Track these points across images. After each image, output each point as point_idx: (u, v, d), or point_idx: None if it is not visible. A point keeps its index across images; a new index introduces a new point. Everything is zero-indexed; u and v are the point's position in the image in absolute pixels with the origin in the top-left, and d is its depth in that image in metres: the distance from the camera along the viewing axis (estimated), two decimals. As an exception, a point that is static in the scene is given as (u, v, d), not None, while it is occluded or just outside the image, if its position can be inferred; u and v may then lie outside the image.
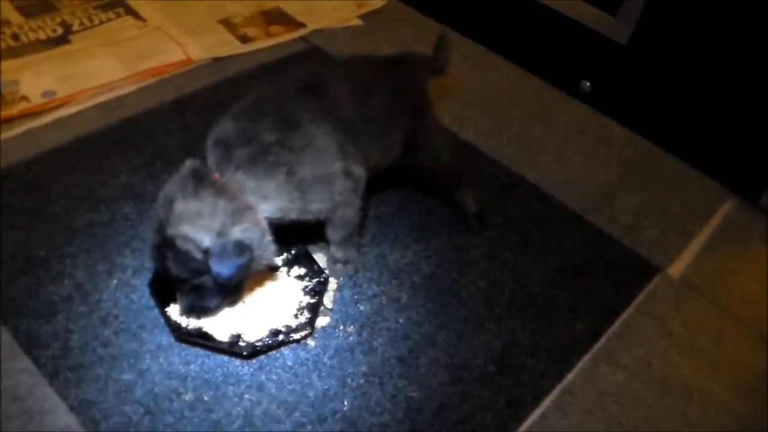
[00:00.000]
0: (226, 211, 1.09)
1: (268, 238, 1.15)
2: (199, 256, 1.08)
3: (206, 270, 1.10)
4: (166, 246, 1.09)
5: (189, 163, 1.14)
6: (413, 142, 1.38)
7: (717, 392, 1.32)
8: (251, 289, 1.27)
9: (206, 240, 1.08)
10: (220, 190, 1.10)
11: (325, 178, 1.20)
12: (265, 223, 1.15)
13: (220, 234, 1.08)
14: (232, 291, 1.18)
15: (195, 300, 1.17)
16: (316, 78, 1.29)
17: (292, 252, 1.35)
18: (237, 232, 1.10)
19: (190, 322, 1.22)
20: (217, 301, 1.17)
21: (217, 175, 1.12)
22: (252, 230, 1.12)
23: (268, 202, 1.15)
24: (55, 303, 1.25)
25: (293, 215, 1.20)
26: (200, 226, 1.08)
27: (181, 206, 1.09)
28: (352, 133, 1.23)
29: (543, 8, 1.93)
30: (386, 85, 1.33)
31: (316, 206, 1.21)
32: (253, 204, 1.13)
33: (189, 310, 1.19)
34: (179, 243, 1.08)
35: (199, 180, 1.11)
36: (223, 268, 1.09)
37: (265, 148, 1.13)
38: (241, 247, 1.10)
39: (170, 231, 1.08)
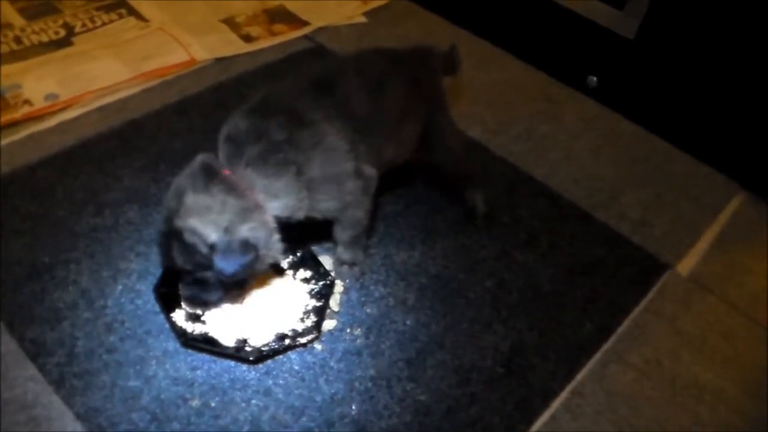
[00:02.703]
0: (234, 208, 1.09)
1: (276, 237, 1.15)
2: (204, 250, 1.08)
3: (210, 265, 1.10)
4: (172, 236, 1.10)
5: (200, 158, 1.14)
6: (427, 135, 1.38)
7: (728, 391, 1.30)
8: (257, 293, 1.27)
9: (213, 236, 1.08)
10: (230, 187, 1.10)
11: (335, 178, 1.19)
12: (273, 223, 1.14)
13: (227, 231, 1.08)
14: (234, 287, 1.19)
15: (197, 292, 1.17)
16: (328, 73, 1.27)
17: (298, 254, 1.34)
18: (244, 231, 1.10)
19: (196, 328, 1.22)
20: (219, 295, 1.17)
21: (227, 172, 1.12)
22: (259, 230, 1.11)
23: (277, 200, 1.14)
24: (60, 309, 1.24)
25: (301, 214, 1.19)
26: (208, 221, 1.08)
27: (191, 199, 1.09)
28: (364, 131, 1.21)
29: (549, 3, 1.91)
30: (401, 78, 1.32)
31: (324, 205, 1.20)
32: (262, 202, 1.13)
33: (191, 300, 1.19)
34: (186, 236, 1.08)
35: (210, 175, 1.11)
36: (226, 264, 1.09)
37: (274, 146, 1.13)
38: (247, 246, 1.10)
39: (179, 222, 1.09)
